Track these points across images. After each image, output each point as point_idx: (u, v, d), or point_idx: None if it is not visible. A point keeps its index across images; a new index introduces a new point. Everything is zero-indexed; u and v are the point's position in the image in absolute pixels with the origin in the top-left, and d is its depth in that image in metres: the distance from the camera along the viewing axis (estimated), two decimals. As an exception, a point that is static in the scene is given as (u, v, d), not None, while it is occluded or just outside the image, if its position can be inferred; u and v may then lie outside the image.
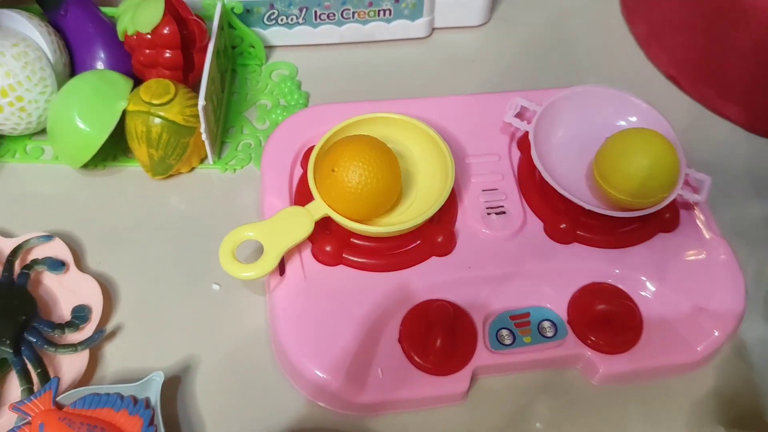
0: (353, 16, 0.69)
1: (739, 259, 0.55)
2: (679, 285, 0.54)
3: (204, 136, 0.58)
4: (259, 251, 0.51)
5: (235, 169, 0.62)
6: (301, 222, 0.51)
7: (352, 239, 0.54)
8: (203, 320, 0.54)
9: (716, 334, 0.52)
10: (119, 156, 0.62)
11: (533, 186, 0.57)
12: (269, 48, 0.70)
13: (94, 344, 0.51)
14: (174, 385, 0.51)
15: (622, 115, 0.59)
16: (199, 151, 0.60)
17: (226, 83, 0.66)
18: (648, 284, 0.54)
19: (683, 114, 0.69)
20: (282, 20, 0.68)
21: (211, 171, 0.62)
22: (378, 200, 0.51)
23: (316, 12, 0.68)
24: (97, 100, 0.57)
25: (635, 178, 0.52)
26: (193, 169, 0.62)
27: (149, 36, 0.57)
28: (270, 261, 0.50)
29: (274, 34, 0.69)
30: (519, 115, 0.59)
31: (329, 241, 0.53)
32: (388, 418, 0.50)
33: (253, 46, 0.68)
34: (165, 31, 0.57)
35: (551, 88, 0.63)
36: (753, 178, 0.64)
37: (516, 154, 0.60)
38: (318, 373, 0.49)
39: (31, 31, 0.59)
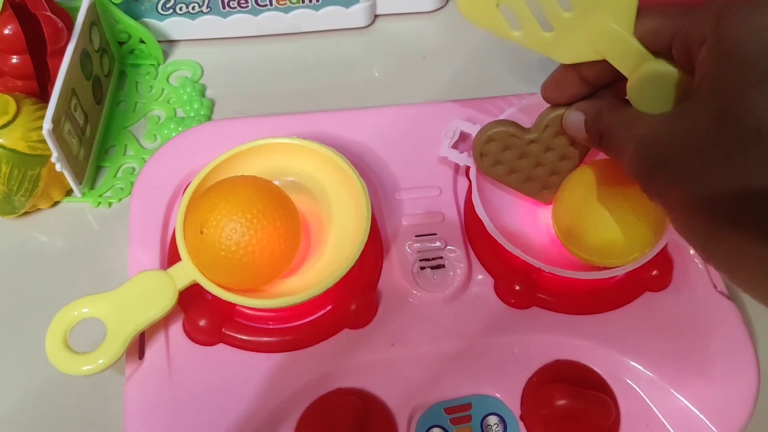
0: (271, 3, 0.55)
1: (754, 327, 0.42)
2: (670, 365, 0.41)
3: (59, 167, 0.45)
4: (111, 328, 0.38)
5: (110, 203, 0.49)
6: (160, 292, 0.38)
7: (237, 307, 0.41)
8: (47, 411, 0.42)
9: (717, 433, 0.39)
10: (-35, 188, 0.49)
11: (482, 230, 0.44)
12: (169, 43, 0.57)
13: None
14: (-4, 507, 0.39)
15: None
16: (61, 182, 0.47)
17: (107, 90, 0.53)
18: (629, 363, 0.41)
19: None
20: (181, 9, 0.54)
21: (83, 204, 0.49)
22: (265, 269, 0.38)
23: (222, -2, 0.54)
24: None
25: (602, 235, 0.39)
26: (56, 203, 0.49)
27: (-15, 37, 0.44)
28: (114, 347, 0.37)
29: (174, 26, 0.56)
30: (463, 141, 0.46)
31: (205, 313, 0.40)
32: None
33: (144, 42, 0.54)
34: (5, 32, 0.45)
35: (519, 94, 0.50)
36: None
37: (463, 184, 0.47)
38: (177, 501, 0.36)
39: None
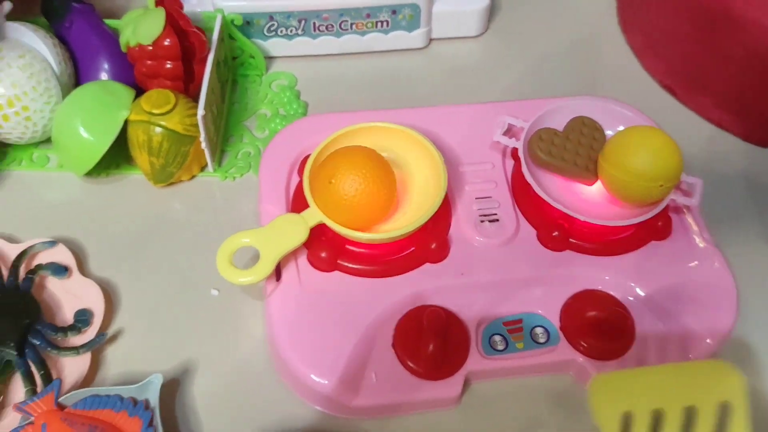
0: (351, 28, 0.70)
1: (732, 269, 0.56)
2: (671, 292, 0.54)
3: (203, 145, 0.59)
4: (256, 257, 0.52)
5: (234, 177, 0.63)
6: (296, 229, 0.52)
7: (347, 246, 0.55)
8: (202, 325, 0.55)
9: (708, 341, 0.53)
10: (122, 164, 0.63)
11: (526, 194, 0.58)
12: (269, 59, 0.72)
13: (96, 347, 0.52)
14: (173, 388, 0.52)
15: (609, 125, 0.60)
16: (200, 160, 0.62)
17: (226, 93, 0.67)
18: (639, 291, 0.55)
19: (679, 123, 0.69)
20: (282, 31, 0.69)
21: (212, 179, 0.63)
22: (373, 211, 0.52)
23: (314, 23, 0.69)
24: (100, 109, 0.58)
25: (639, 159, 0.53)
26: (193, 176, 0.63)
27: (150, 48, 0.59)
28: (266, 267, 0.51)
29: (274, 45, 0.71)
30: (509, 130, 0.60)
31: (324, 248, 0.54)
32: (382, 421, 0.51)
33: (253, 57, 0.69)
34: (166, 43, 0.59)
35: (546, 97, 0.64)
36: (749, 188, 0.65)
37: (510, 162, 0.61)
38: (314, 377, 0.50)
39: (36, 42, 0.61)
